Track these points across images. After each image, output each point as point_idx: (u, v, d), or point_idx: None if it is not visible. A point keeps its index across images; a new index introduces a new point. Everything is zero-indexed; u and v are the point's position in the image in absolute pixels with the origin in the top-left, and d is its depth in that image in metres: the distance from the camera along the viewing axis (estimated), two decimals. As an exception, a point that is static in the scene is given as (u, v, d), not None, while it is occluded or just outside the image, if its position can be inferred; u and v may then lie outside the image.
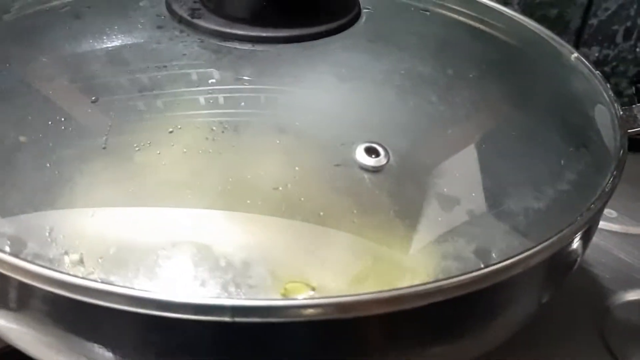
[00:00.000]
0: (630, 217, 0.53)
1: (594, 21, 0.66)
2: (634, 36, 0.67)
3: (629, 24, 0.66)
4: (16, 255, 0.26)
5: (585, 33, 0.66)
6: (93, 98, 0.31)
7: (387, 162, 0.29)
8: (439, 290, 0.26)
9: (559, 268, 0.32)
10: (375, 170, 0.29)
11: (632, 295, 0.47)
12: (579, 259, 0.34)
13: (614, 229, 0.52)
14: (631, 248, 0.50)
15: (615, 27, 0.66)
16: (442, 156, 0.30)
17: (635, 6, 0.65)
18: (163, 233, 0.27)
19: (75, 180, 0.28)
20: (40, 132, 0.29)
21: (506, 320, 0.31)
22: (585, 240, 0.33)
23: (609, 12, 0.65)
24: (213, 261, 0.26)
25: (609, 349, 0.43)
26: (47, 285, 0.25)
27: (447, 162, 0.30)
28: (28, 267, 0.25)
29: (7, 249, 0.26)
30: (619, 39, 0.67)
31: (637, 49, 0.68)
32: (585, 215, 0.30)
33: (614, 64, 0.69)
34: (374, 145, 0.30)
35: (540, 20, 0.64)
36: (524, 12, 0.64)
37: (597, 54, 0.68)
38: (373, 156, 0.29)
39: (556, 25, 0.65)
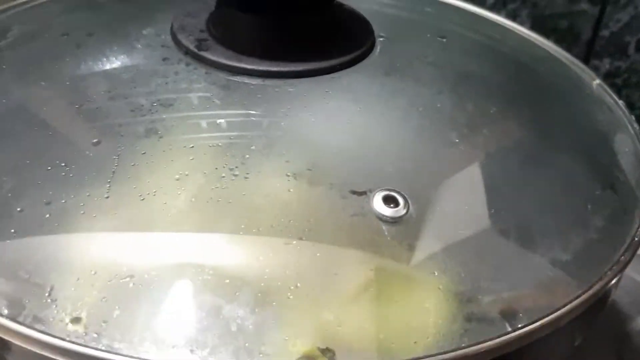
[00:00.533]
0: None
1: (605, 33, 0.64)
2: (647, 48, 0.66)
3: (641, 35, 0.65)
4: (15, 319, 0.24)
5: (596, 45, 0.65)
6: (95, 140, 0.29)
7: (407, 212, 0.28)
8: (465, 357, 0.24)
9: (589, 317, 0.30)
10: (394, 221, 0.27)
11: (652, 321, 0.45)
12: (608, 303, 0.32)
13: (632, 253, 0.50)
14: (650, 272, 0.49)
15: (628, 38, 0.65)
16: (465, 204, 0.29)
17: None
18: (171, 295, 0.25)
19: (76, 234, 0.26)
20: (39, 180, 0.28)
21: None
22: (615, 287, 0.31)
23: (621, 23, 0.64)
24: (224, 325, 0.24)
25: (630, 377, 0.42)
26: (48, 352, 0.24)
27: (470, 211, 0.28)
28: (28, 333, 0.24)
29: (5, 311, 0.25)
30: (631, 50, 0.66)
31: (650, 61, 0.67)
32: (615, 268, 0.28)
33: (626, 75, 0.67)
34: (393, 193, 0.28)
35: (551, 32, 0.62)
36: (533, 24, 0.63)
37: (608, 66, 0.66)
38: (392, 206, 0.28)
39: (567, 37, 0.64)
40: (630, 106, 0.68)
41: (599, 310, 0.32)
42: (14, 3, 0.39)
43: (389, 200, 0.28)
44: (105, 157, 0.28)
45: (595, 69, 0.40)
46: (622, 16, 0.63)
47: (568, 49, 0.42)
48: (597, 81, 0.40)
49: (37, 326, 0.24)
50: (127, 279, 0.25)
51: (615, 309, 0.46)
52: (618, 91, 0.37)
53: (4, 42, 0.35)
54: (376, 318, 0.26)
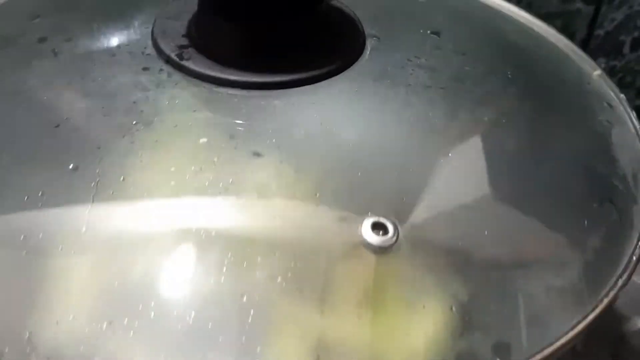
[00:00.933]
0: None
1: (600, 32, 0.63)
2: (642, 46, 0.65)
3: (636, 34, 0.64)
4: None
5: (591, 44, 0.63)
6: (72, 166, 0.28)
7: (396, 240, 0.27)
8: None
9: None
10: (382, 250, 0.26)
11: (648, 322, 0.45)
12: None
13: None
14: (645, 270, 0.48)
15: (623, 37, 0.64)
16: (459, 231, 0.28)
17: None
18: (151, 343, 0.24)
19: (52, 276, 0.26)
20: (12, 215, 0.27)
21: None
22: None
23: (616, 22, 0.62)
24: (207, 370, 0.24)
25: (625, 379, 0.42)
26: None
27: (464, 238, 0.27)
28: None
29: (-17, 358, 0.24)
30: (626, 49, 0.64)
31: (645, 60, 0.66)
32: (611, 294, 0.27)
33: (621, 75, 0.66)
34: (382, 220, 0.27)
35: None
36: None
37: (603, 65, 0.65)
38: (380, 233, 0.27)
39: (562, 36, 0.63)
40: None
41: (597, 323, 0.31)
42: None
43: (377, 227, 0.27)
44: (83, 185, 0.27)
45: (591, 69, 0.39)
46: (617, 15, 0.62)
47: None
48: (598, 72, 0.38)
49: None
50: (106, 324, 0.24)
51: (612, 310, 0.45)
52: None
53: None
54: (363, 354, 0.25)
